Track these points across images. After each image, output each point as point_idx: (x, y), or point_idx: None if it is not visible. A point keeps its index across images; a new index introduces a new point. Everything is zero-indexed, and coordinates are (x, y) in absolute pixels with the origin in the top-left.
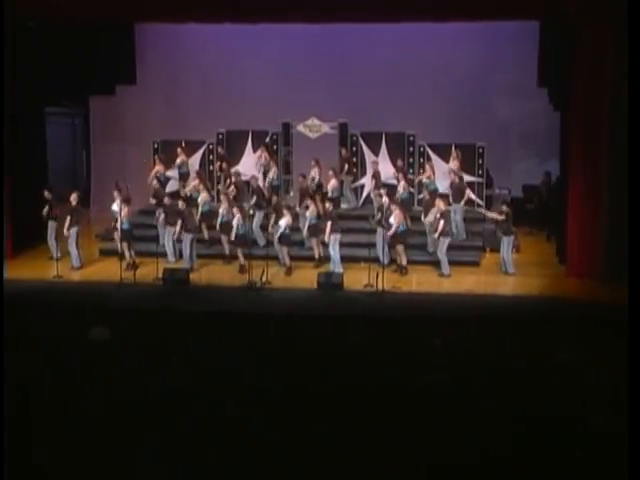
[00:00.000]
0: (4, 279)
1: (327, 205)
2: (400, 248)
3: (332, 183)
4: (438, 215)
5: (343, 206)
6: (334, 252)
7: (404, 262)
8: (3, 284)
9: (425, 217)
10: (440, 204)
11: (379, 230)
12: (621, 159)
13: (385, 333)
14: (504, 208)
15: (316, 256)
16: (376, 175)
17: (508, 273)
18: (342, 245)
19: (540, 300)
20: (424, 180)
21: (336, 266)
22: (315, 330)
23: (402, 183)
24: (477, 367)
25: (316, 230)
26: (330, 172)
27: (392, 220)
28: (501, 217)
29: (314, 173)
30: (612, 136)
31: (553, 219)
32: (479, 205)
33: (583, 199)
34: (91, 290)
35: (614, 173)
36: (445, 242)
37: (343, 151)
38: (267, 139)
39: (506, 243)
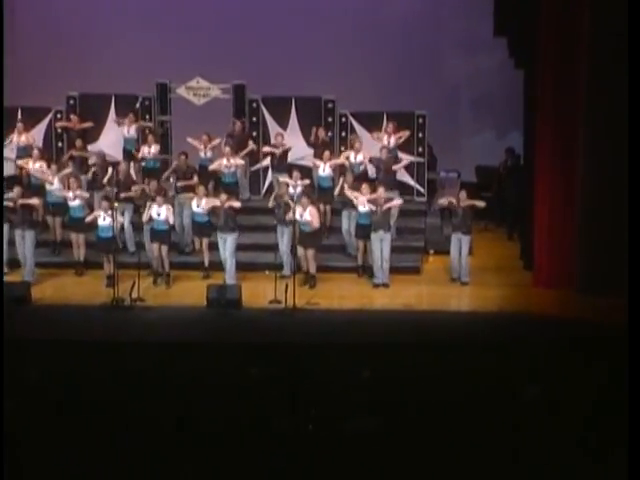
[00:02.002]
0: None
1: (223, 197)
2: (310, 253)
3: (227, 165)
4: (379, 207)
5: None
6: (229, 258)
7: (312, 270)
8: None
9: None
10: (380, 192)
11: (283, 229)
12: (603, 132)
13: (297, 365)
14: (462, 196)
15: (206, 263)
16: (275, 155)
17: (462, 282)
18: (239, 248)
19: (500, 317)
20: (351, 159)
21: (230, 276)
22: (205, 362)
23: (324, 165)
24: (418, 408)
25: (206, 229)
26: (226, 149)
27: (307, 216)
28: (481, 203)
29: (203, 149)
30: (591, 100)
31: (516, 211)
32: (419, 193)
33: (555, 186)
34: None
35: (594, 151)
36: (389, 241)
37: (238, 124)
38: (137, 105)
39: (464, 244)
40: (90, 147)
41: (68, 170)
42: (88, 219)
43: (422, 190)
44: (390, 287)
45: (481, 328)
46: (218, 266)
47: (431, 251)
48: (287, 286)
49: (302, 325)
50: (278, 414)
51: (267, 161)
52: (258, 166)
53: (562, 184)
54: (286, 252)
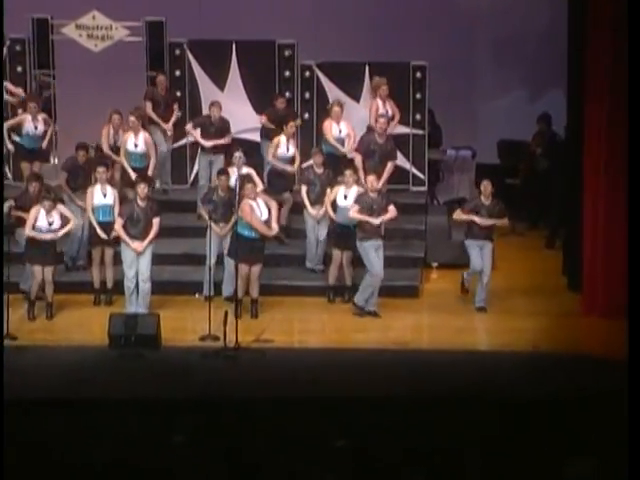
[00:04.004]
0: None
1: (141, 186)
2: (256, 270)
3: (135, 144)
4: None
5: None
6: (145, 276)
7: (254, 294)
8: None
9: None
10: (371, 180)
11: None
12: None
13: (241, 429)
14: (486, 187)
15: (96, 284)
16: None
17: (478, 308)
18: (156, 261)
19: (534, 359)
20: (334, 132)
21: (140, 302)
22: (106, 426)
23: (286, 142)
24: None
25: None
26: (131, 119)
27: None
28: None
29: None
30: None
31: (557, 207)
32: (417, 180)
33: (613, 170)
34: None
35: None
36: (375, 249)
37: (161, 78)
38: (3, 51)
39: (486, 254)
40: None
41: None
42: None
43: (421, 176)
44: (376, 317)
45: (507, 376)
46: (121, 288)
47: (434, 264)
48: (227, 315)
49: (249, 372)
50: None
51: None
52: (183, 141)
53: (624, 168)
54: (227, 268)
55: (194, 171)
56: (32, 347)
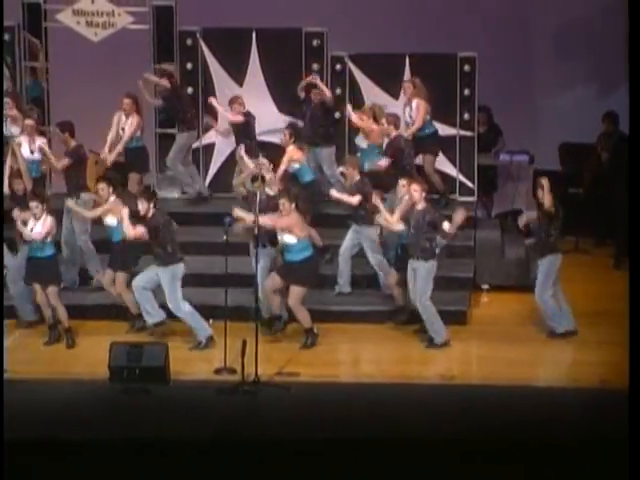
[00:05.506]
0: None
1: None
2: (297, 293)
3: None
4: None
5: (163, 193)
6: (173, 302)
7: (306, 322)
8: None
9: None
10: (414, 190)
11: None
12: None
13: (260, 476)
14: (543, 185)
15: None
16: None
17: (552, 332)
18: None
19: (602, 398)
20: (360, 143)
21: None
22: (108, 471)
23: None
24: None
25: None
26: (27, 122)
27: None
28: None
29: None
30: None
31: (629, 222)
32: (465, 189)
33: None
34: None
35: None
36: (430, 272)
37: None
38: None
39: (548, 267)
40: None
41: None
42: None
43: (470, 184)
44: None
45: (571, 415)
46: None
47: (485, 286)
48: (245, 345)
49: (270, 410)
50: None
51: (213, 134)
52: (196, 144)
53: None
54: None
55: (208, 178)
56: (22, 380)
